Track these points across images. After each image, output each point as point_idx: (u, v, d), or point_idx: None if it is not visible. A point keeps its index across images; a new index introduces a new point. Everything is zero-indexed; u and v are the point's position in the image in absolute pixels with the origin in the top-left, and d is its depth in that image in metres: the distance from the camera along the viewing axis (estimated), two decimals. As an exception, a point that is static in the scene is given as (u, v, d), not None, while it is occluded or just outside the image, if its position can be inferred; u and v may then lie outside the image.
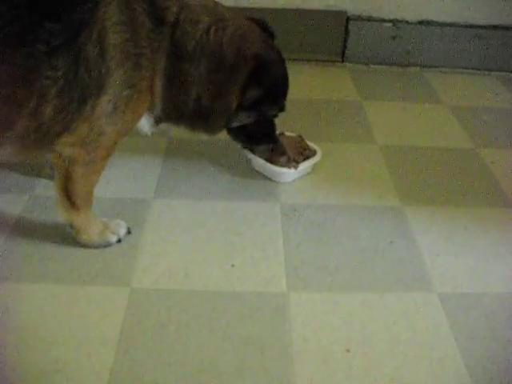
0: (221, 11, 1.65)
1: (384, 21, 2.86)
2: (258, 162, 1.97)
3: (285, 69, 1.78)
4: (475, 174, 2.10)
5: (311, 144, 2.04)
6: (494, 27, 2.88)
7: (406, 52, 2.91)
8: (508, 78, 2.94)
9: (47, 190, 1.84)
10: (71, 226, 1.62)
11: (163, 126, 1.73)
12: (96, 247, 1.63)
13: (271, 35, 1.80)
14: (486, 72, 2.96)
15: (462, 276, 1.62)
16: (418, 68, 2.95)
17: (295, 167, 1.94)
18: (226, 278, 1.56)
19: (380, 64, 2.94)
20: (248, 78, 1.62)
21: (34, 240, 1.66)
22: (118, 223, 1.68)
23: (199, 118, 1.68)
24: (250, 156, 1.97)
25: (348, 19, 2.85)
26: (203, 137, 1.80)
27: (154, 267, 1.58)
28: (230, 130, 1.83)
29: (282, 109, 1.82)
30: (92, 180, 1.60)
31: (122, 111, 1.48)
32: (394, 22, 2.85)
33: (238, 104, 1.66)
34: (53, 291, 1.50)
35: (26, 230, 1.70)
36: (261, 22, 1.77)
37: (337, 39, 2.89)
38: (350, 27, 2.86)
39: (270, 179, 1.98)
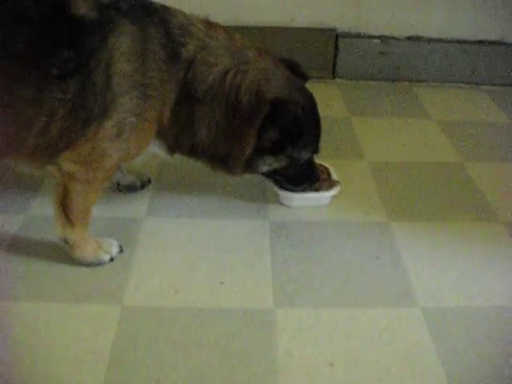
0: (246, 53, 1.65)
1: (373, 37, 2.92)
2: (293, 197, 1.96)
3: (314, 112, 1.77)
4: (462, 188, 2.14)
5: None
6: (482, 42, 2.95)
7: (395, 67, 2.97)
8: (495, 91, 2.98)
9: (42, 210, 1.90)
10: (65, 241, 1.66)
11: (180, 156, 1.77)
12: (89, 265, 1.68)
13: (302, 76, 1.80)
14: (475, 86, 3.01)
15: (446, 290, 1.66)
16: (408, 83, 3.00)
17: (339, 183, 2.00)
18: (214, 295, 1.60)
19: (370, 79, 2.99)
20: (264, 120, 1.62)
21: (28, 259, 1.71)
22: (111, 242, 1.72)
23: (216, 160, 1.72)
24: (279, 191, 1.96)
25: (337, 36, 2.91)
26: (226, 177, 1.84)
27: (145, 285, 1.63)
28: (268, 175, 1.84)
29: (315, 151, 1.83)
30: (89, 198, 1.65)
31: (126, 138, 1.55)
32: (383, 38, 2.91)
33: (261, 148, 1.67)
34: (47, 309, 1.55)
35: (21, 249, 1.75)
36: (291, 64, 1.77)
37: (327, 56, 2.95)
38: (339, 44, 2.92)
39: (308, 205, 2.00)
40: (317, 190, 1.97)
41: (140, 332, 1.48)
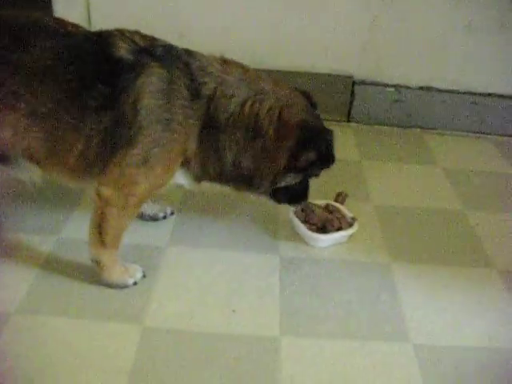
0: (261, 84, 1.82)
1: (387, 85, 3.10)
2: (320, 238, 2.12)
3: (330, 134, 1.91)
4: (460, 235, 2.28)
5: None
6: (490, 95, 3.10)
7: (407, 115, 3.14)
8: (502, 141, 3.13)
9: (73, 233, 2.09)
10: (96, 262, 1.83)
11: (206, 184, 1.94)
12: (114, 287, 1.84)
13: (313, 105, 1.96)
14: (482, 136, 3.16)
15: (438, 330, 1.80)
16: (418, 130, 3.17)
17: (356, 219, 2.19)
18: (226, 322, 1.76)
19: (383, 125, 3.17)
20: (298, 144, 1.79)
21: (59, 277, 1.88)
22: (136, 268, 1.90)
23: (242, 180, 1.88)
24: (307, 234, 2.12)
25: (354, 83, 3.10)
26: (250, 196, 1.99)
27: (165, 309, 1.79)
28: (273, 192, 1.96)
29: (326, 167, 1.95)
30: (123, 222, 1.83)
31: (151, 166, 1.73)
32: (397, 87, 3.09)
33: (288, 167, 1.82)
34: (75, 325, 1.72)
35: (53, 267, 1.92)
36: (304, 93, 1.94)
37: (343, 101, 3.13)
38: (355, 90, 3.11)
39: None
40: (338, 229, 2.14)
41: (158, 351, 1.64)
